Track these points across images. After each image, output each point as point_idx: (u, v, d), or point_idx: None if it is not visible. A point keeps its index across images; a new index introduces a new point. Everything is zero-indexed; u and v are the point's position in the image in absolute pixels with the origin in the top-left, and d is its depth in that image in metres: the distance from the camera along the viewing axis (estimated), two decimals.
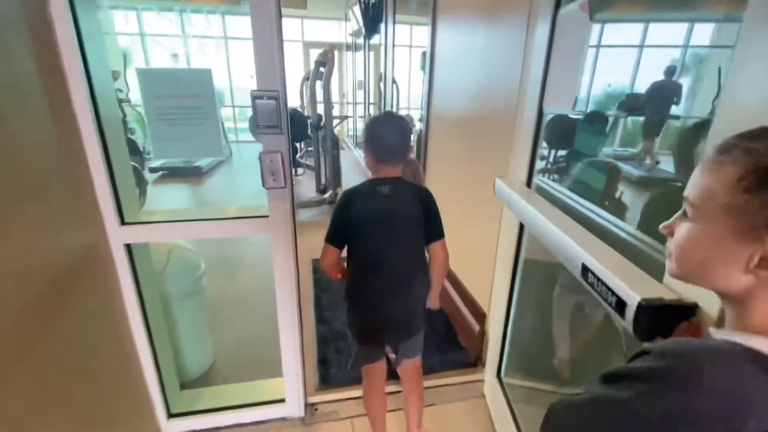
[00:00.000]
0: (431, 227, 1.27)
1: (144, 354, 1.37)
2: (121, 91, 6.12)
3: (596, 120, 1.66)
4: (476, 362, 1.95)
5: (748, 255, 0.38)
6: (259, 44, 1.09)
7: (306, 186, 5.33)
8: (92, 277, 1.16)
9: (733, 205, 0.38)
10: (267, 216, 1.28)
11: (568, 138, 1.57)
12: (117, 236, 1.21)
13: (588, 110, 1.19)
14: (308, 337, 2.21)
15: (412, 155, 1.65)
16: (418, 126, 6.01)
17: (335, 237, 1.23)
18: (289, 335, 1.46)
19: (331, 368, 1.88)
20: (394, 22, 4.28)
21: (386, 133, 1.22)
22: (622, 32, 1.23)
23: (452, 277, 2.29)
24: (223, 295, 2.64)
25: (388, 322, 1.29)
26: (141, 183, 2.65)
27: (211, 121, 1.18)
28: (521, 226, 1.40)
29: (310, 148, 5.69)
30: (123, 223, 1.22)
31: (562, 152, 1.81)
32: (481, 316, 1.89)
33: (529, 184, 1.32)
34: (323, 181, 4.95)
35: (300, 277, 1.63)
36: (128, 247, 1.25)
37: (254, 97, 1.09)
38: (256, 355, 2.03)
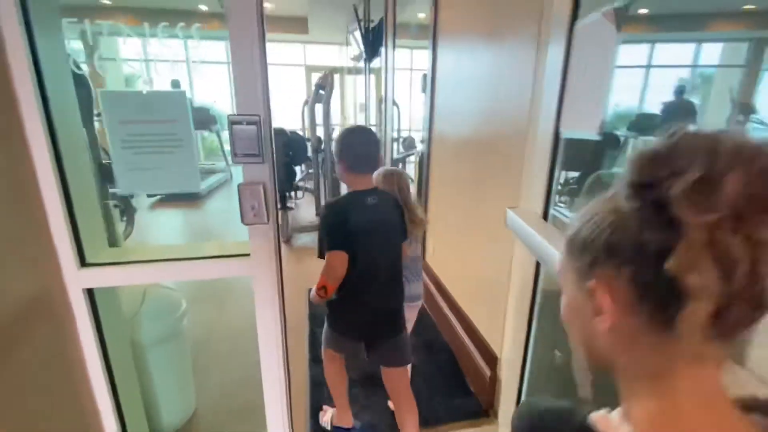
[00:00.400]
0: (404, 231, 1.46)
1: (106, 412, 1.19)
2: None
3: (608, 141, 1.53)
4: (488, 411, 1.74)
5: (590, 308, 0.37)
6: (238, 64, 0.97)
7: (305, 209, 5.20)
8: (43, 327, 1.00)
9: (570, 258, 0.39)
10: (248, 255, 1.12)
11: (581, 159, 1.43)
12: (75, 280, 1.06)
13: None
14: (300, 381, 2.01)
15: (400, 167, 1.78)
16: (419, 147, 5.92)
17: (343, 243, 1.25)
18: (275, 390, 1.28)
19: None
20: (394, 46, 4.24)
21: (357, 144, 1.31)
22: (627, 52, 1.11)
23: (459, 312, 2.11)
24: (210, 330, 2.45)
25: (381, 321, 1.41)
26: (128, 211, 2.51)
27: (186, 149, 1.05)
28: (538, 261, 1.24)
29: (310, 170, 5.60)
30: (83, 264, 1.07)
31: (572, 174, 1.66)
32: (492, 360, 1.70)
33: (545, 216, 1.17)
34: (323, 204, 4.83)
35: (293, 311, 1.69)
36: (89, 292, 1.10)
37: (231, 122, 0.96)
38: (244, 400, 1.84)
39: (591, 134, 0.92)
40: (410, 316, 1.84)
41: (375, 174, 1.61)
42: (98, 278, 1.08)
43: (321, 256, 1.27)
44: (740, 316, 0.30)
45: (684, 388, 0.33)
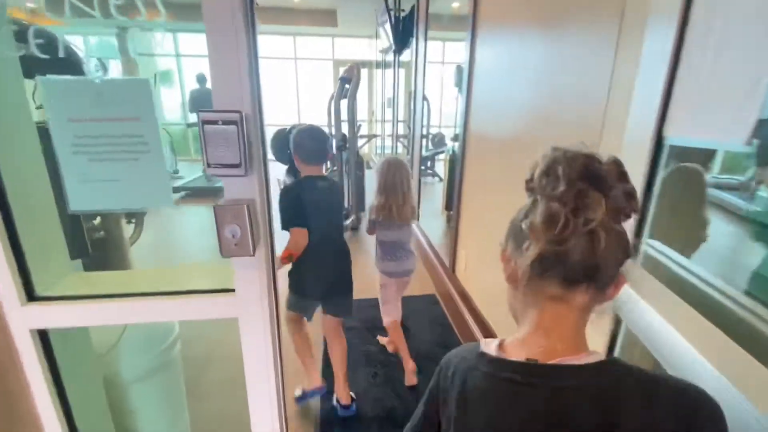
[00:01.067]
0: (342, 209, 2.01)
1: None
2: None
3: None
4: None
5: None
6: (213, 43, 0.71)
7: None
8: None
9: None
10: (233, 290, 0.87)
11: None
12: (19, 319, 0.84)
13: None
14: (309, 413, 1.77)
15: (405, 159, 2.10)
16: (450, 145, 5.57)
17: (302, 220, 1.52)
18: None
19: None
20: (426, 38, 3.92)
21: (308, 141, 1.61)
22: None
23: None
24: (213, 349, 2.22)
25: (331, 281, 1.71)
26: (136, 215, 2.34)
27: (153, 155, 0.81)
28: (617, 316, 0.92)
29: (334, 168, 5.38)
30: (31, 298, 0.85)
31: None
32: None
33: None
34: (346, 205, 4.59)
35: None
36: (41, 332, 0.88)
37: (202, 122, 0.70)
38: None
39: (733, 144, 0.59)
40: (403, 287, 2.10)
41: (378, 163, 1.95)
42: (49, 317, 0.86)
43: (284, 228, 1.52)
44: (570, 264, 0.44)
45: (546, 320, 0.48)
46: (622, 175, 0.45)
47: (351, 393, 1.79)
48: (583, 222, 0.42)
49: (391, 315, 2.05)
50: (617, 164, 0.45)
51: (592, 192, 0.42)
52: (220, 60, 0.72)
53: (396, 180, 1.87)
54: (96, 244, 1.57)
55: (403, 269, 2.00)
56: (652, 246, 0.84)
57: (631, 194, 0.44)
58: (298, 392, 1.87)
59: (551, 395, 0.44)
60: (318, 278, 1.66)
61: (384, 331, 2.22)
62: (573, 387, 0.44)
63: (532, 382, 0.45)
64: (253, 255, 0.78)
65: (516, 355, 0.49)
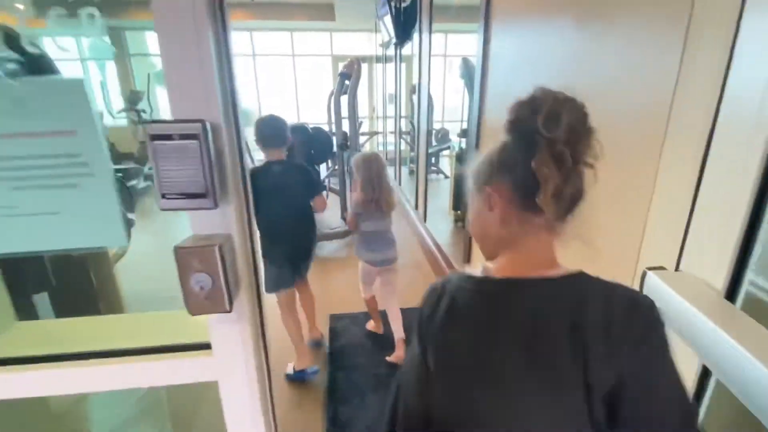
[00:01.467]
0: (310, 188, 1.98)
1: None
2: (144, 111, 5.97)
3: None
4: None
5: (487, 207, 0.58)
6: (167, 41, 0.51)
7: (330, 211, 4.78)
8: None
9: (475, 182, 0.60)
10: (209, 348, 0.68)
11: None
12: None
13: None
14: None
15: (378, 152, 2.15)
16: (456, 141, 5.32)
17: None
18: None
19: None
20: (430, 30, 3.70)
21: (266, 129, 1.84)
22: None
23: None
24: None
25: (293, 249, 1.96)
26: (126, 227, 2.15)
27: (98, 180, 0.61)
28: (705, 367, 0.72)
29: (336, 167, 5.17)
30: None
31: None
32: None
33: (732, 294, 0.65)
34: (348, 206, 4.39)
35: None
36: None
37: (151, 137, 0.50)
38: None
39: None
40: (390, 278, 2.16)
41: (354, 157, 2.08)
42: None
43: None
44: (568, 197, 0.50)
45: (530, 245, 0.55)
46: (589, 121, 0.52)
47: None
48: (582, 162, 0.50)
49: (368, 292, 2.23)
50: (587, 112, 0.51)
51: (589, 136, 0.50)
52: (174, 57, 0.52)
53: (381, 173, 1.97)
54: (73, 265, 1.38)
55: (386, 257, 2.09)
56: (759, 286, 0.64)
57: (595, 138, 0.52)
58: (289, 369, 1.99)
59: (532, 303, 0.52)
60: (281, 249, 1.89)
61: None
62: (549, 295, 0.52)
63: (517, 292, 0.53)
64: (230, 311, 0.59)
65: (501, 275, 0.56)
